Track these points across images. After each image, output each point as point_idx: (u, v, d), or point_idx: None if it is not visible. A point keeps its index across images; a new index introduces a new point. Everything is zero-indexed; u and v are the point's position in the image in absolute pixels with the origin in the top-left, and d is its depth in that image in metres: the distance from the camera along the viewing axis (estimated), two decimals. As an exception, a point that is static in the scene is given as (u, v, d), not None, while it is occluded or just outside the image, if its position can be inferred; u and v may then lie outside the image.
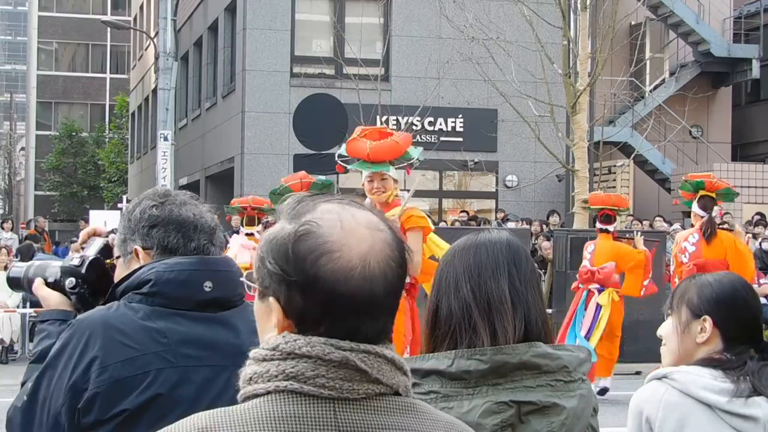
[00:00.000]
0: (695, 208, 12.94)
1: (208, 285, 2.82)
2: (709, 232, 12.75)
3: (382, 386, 1.85)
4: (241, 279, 2.06)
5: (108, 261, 3.10)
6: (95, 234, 3.29)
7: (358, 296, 1.82)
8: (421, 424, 1.89)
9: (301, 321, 1.84)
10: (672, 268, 13.75)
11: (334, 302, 1.82)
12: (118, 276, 3.00)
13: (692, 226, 13.29)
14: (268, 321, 1.90)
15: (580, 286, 14.40)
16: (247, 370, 1.88)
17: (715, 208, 13.19)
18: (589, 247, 14.50)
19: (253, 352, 1.89)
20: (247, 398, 1.85)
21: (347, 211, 1.88)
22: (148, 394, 2.67)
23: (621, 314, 14.34)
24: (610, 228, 14.45)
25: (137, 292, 2.79)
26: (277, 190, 12.19)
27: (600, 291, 14.12)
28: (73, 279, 3.10)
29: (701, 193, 12.91)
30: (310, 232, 1.83)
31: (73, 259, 3.15)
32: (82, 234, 3.33)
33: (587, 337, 13.89)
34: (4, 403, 13.49)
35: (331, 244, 1.82)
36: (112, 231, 3.21)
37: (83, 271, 3.11)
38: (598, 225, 14.62)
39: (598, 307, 14.06)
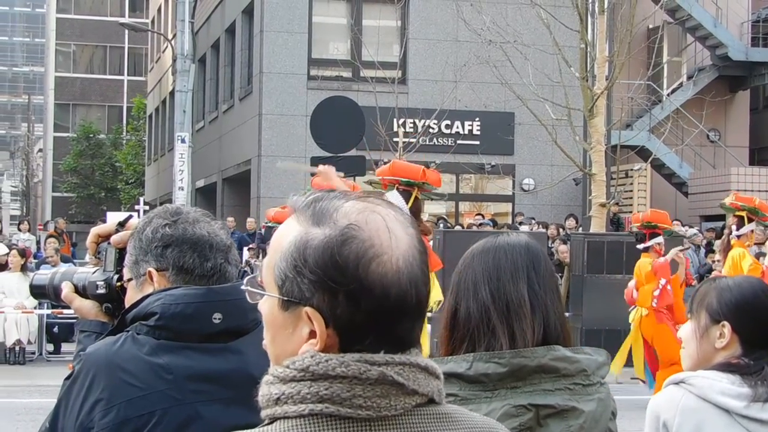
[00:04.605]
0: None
1: (217, 317, 2.69)
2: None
3: (418, 396, 1.78)
4: (244, 287, 1.94)
5: (118, 285, 2.96)
6: (102, 237, 3.10)
7: (408, 299, 1.77)
8: None
9: (347, 331, 1.75)
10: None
11: (384, 308, 1.74)
12: (129, 300, 2.86)
13: (716, 235, 13.04)
14: (292, 333, 1.80)
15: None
16: (272, 389, 1.78)
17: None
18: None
19: (278, 371, 1.79)
20: (275, 419, 1.77)
21: (378, 210, 1.79)
22: None
23: (657, 331, 13.82)
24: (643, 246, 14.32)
25: (144, 323, 2.67)
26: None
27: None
28: (109, 305, 2.98)
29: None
30: (354, 236, 1.74)
31: (98, 286, 2.99)
32: (90, 243, 3.12)
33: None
34: (21, 403, 13.59)
35: (378, 248, 1.74)
36: (120, 224, 3.08)
37: (113, 293, 2.97)
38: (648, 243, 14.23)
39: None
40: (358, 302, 1.73)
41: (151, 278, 2.81)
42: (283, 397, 1.75)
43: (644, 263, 14.03)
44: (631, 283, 14.04)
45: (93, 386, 2.58)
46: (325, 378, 1.73)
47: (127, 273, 2.90)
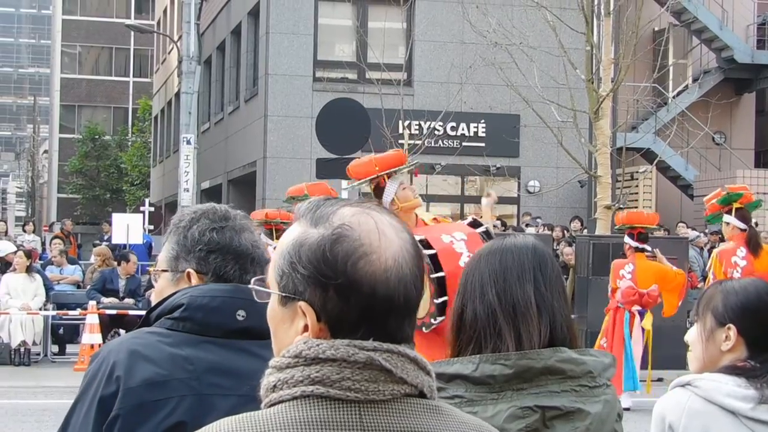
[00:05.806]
0: (732, 220, 12.41)
1: (241, 314, 2.76)
2: (753, 244, 12.33)
3: (407, 386, 1.85)
4: (251, 286, 2.04)
5: (150, 269, 3.07)
6: None
7: (396, 297, 1.85)
8: (447, 426, 1.90)
9: (337, 325, 1.85)
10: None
11: (372, 305, 1.84)
12: (158, 291, 2.95)
13: (720, 237, 12.90)
14: (290, 327, 1.91)
15: (620, 305, 14.06)
16: (270, 378, 1.88)
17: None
18: (627, 267, 14.04)
19: (275, 361, 1.90)
20: (272, 405, 1.86)
21: (372, 214, 1.90)
22: (171, 420, 2.61)
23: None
24: (648, 248, 14.15)
25: (169, 316, 2.74)
26: (299, 198, 11.84)
27: (641, 314, 13.92)
28: None
29: (736, 205, 12.43)
30: (345, 235, 1.85)
31: None
32: None
33: (643, 367, 13.81)
34: (26, 404, 13.61)
35: (367, 247, 1.84)
36: None
37: None
38: (633, 243, 14.15)
39: (643, 331, 13.91)
40: (347, 298, 1.84)
41: (189, 278, 2.88)
42: (279, 383, 1.86)
43: (657, 267, 14.01)
44: (656, 288, 13.81)
45: (114, 371, 2.63)
46: (316, 362, 1.83)
47: (162, 264, 2.97)
